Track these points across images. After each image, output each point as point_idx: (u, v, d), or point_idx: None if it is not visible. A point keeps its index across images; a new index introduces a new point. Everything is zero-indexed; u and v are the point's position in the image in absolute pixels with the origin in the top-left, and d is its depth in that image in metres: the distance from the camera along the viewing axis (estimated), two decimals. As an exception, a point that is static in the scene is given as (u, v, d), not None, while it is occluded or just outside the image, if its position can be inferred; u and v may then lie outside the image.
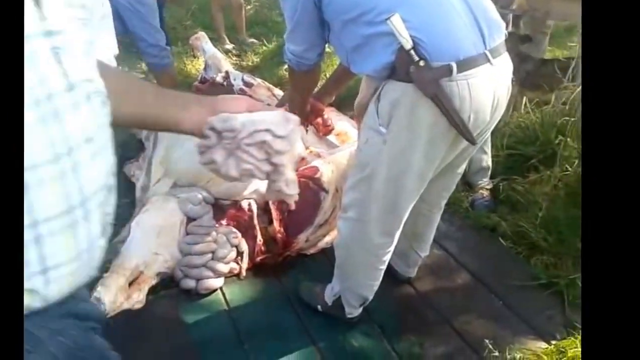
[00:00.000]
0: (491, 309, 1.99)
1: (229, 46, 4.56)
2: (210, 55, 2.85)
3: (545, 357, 1.73)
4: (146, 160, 2.42)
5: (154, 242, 2.08)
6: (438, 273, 2.14)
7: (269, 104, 2.49)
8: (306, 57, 1.65)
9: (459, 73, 1.33)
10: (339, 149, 2.41)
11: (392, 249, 1.73)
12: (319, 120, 2.13)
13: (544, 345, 1.81)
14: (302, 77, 1.76)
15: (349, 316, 1.91)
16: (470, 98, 1.36)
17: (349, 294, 1.86)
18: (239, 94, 2.64)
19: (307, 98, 2.00)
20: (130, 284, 1.99)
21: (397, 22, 1.31)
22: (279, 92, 2.82)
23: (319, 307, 1.97)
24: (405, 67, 1.34)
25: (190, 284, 2.07)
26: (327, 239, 2.28)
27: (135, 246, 2.06)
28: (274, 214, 2.21)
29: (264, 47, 4.49)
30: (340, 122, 2.70)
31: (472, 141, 1.41)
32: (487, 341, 1.79)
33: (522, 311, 1.96)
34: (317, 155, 2.32)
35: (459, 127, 1.37)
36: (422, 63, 1.31)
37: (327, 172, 2.21)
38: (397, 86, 1.39)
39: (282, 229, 2.19)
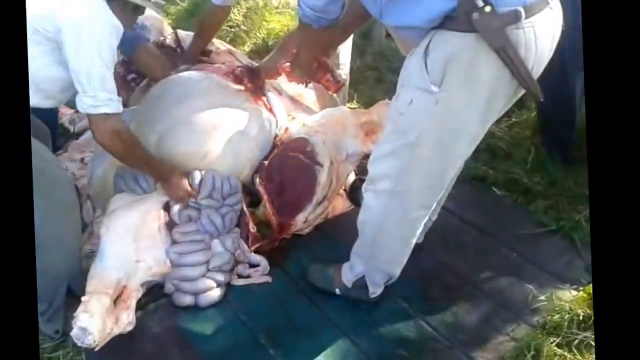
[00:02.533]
0: (509, 263, 1.94)
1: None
2: (146, 16, 2.35)
3: (578, 306, 1.70)
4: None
5: (132, 247, 1.77)
6: (445, 234, 2.03)
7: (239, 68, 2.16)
8: (328, 11, 1.40)
9: (526, 19, 1.17)
10: (319, 114, 2.16)
11: (426, 220, 1.59)
12: (329, 76, 1.88)
13: (573, 292, 1.79)
14: (320, 34, 1.50)
15: (372, 296, 1.76)
16: (535, 47, 1.21)
17: (375, 272, 1.71)
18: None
19: (318, 56, 1.75)
20: (114, 303, 1.69)
21: None
22: (241, 57, 2.50)
23: (336, 290, 1.80)
24: (467, 14, 1.15)
25: (186, 299, 1.80)
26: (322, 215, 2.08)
27: (111, 257, 1.74)
28: (264, 195, 1.97)
29: (178, 6, 4.00)
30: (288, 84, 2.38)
31: (537, 96, 1.27)
32: (529, 286, 1.79)
33: (539, 260, 1.93)
34: (301, 124, 2.07)
35: (525, 82, 1.22)
36: (487, 9, 1.14)
37: (317, 143, 1.98)
38: (452, 37, 1.20)
39: (275, 212, 1.96)
